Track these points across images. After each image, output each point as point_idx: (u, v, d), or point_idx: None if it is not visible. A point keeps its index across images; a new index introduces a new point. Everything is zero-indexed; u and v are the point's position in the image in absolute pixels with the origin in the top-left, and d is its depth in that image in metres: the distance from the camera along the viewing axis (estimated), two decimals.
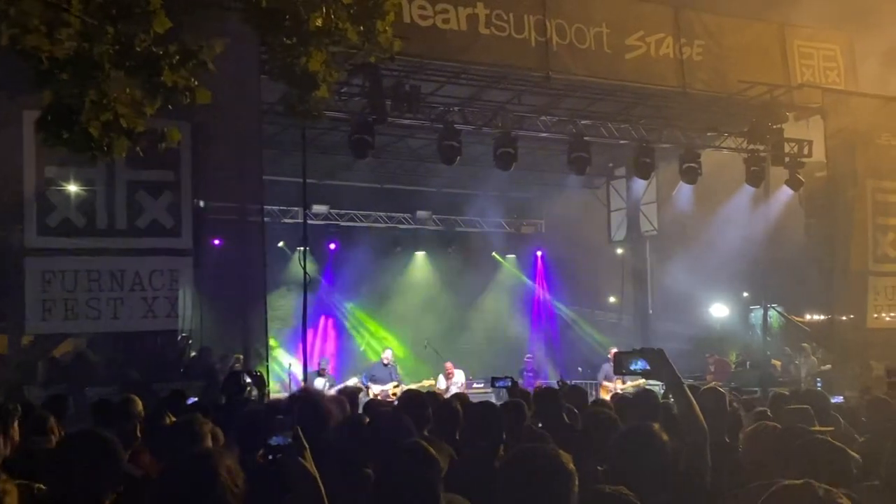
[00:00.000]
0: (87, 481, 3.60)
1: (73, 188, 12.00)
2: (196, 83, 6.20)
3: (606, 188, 22.15)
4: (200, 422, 4.71)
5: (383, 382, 16.39)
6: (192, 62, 6.11)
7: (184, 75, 6.09)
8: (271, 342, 14.56)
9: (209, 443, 4.56)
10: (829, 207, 16.86)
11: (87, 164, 6.79)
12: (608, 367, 17.01)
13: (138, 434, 5.91)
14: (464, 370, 17.78)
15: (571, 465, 2.98)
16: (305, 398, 4.94)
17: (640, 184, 20.33)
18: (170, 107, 6.22)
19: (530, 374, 19.81)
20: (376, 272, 21.49)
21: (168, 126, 6.63)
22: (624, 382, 16.38)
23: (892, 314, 16.99)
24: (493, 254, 23.49)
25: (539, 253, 23.88)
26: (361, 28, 7.45)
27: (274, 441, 3.34)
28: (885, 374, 8.65)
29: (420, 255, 23.00)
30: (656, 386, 10.35)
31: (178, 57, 6.05)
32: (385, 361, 17.12)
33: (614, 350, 13.45)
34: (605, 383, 17.33)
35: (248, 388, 8.68)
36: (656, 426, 3.81)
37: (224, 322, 13.19)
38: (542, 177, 20.97)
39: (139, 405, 6.11)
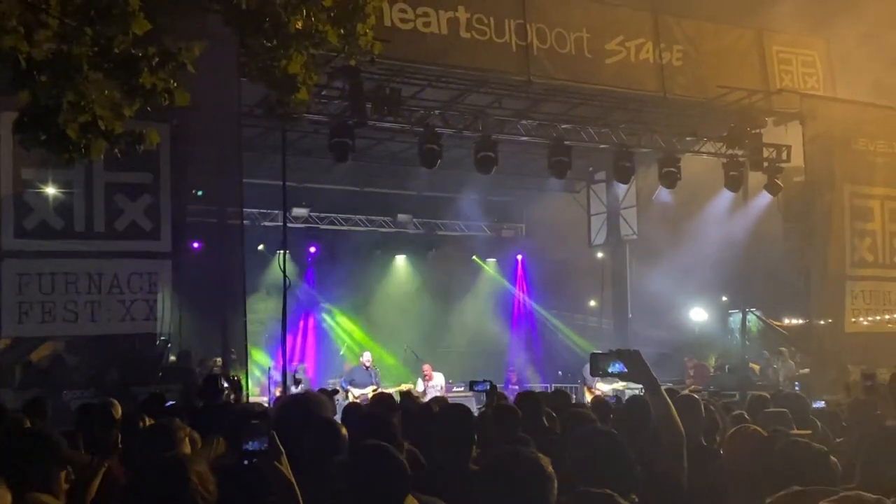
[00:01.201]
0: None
1: (50, 190, 11.89)
2: (175, 85, 6.17)
3: (587, 192, 22.24)
4: (177, 426, 4.68)
5: (363, 386, 16.37)
6: (172, 64, 6.09)
7: (163, 77, 6.07)
8: (250, 345, 14.50)
9: (186, 447, 4.53)
10: (807, 212, 16.97)
11: (65, 165, 6.72)
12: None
13: (118, 439, 5.86)
14: (443, 373, 17.77)
15: (550, 469, 2.98)
16: (289, 401, 4.92)
17: (620, 188, 20.42)
18: (149, 109, 6.19)
19: (515, 387, 19.75)
20: (357, 275, 21.45)
21: (147, 128, 6.58)
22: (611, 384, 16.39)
23: (869, 318, 17.11)
24: (474, 257, 23.51)
25: (519, 257, 23.92)
26: (342, 31, 7.44)
27: (249, 446, 3.34)
28: (861, 378, 8.69)
29: (400, 259, 22.99)
30: (636, 389, 10.38)
31: (157, 59, 6.03)
32: (365, 365, 17.09)
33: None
34: (600, 386, 17.24)
35: (226, 392, 8.65)
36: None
37: (203, 325, 13.11)
38: (523, 181, 21.01)
39: (119, 410, 6.07)
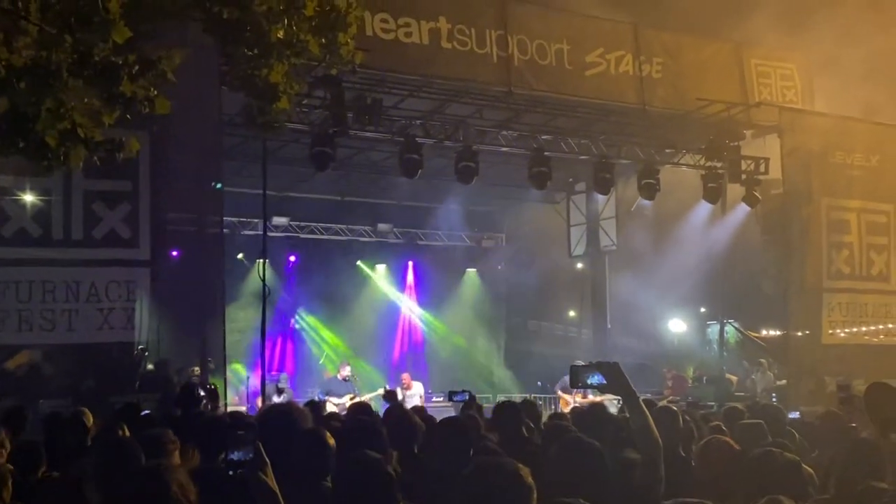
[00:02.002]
0: None
1: (28, 198, 11.83)
2: (155, 93, 6.15)
3: (567, 203, 22.29)
4: (168, 437, 4.66)
5: (340, 395, 16.29)
6: (152, 72, 6.07)
7: (143, 85, 6.04)
8: (229, 355, 14.43)
9: (176, 458, 4.51)
10: (785, 224, 17.09)
11: (43, 173, 6.70)
12: (567, 379, 17.04)
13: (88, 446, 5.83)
14: (423, 383, 17.74)
15: (530, 479, 2.99)
16: (274, 411, 4.91)
17: (600, 199, 20.48)
18: (128, 116, 6.17)
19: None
20: (336, 285, 21.41)
21: (126, 136, 6.56)
22: (585, 396, 16.43)
23: (846, 330, 17.23)
24: (451, 267, 23.50)
25: (499, 267, 23.93)
26: (323, 40, 7.44)
27: (235, 456, 3.33)
28: (836, 389, 8.76)
29: (381, 268, 22.97)
30: (614, 400, 10.40)
31: (137, 67, 6.00)
32: (343, 376, 17.01)
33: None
34: (564, 395, 17.36)
35: (204, 401, 8.61)
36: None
37: (181, 334, 13.04)
38: (504, 191, 21.04)
39: (90, 418, 6.03)
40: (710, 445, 4.25)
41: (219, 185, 12.98)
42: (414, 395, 16.95)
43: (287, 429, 4.34)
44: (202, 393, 8.73)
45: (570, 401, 16.32)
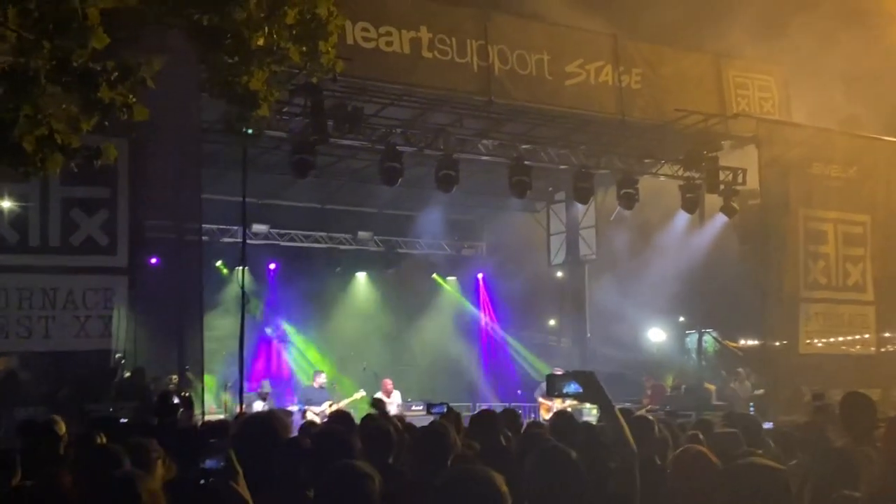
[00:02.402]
0: None
1: (5, 204, 11.75)
2: (134, 100, 6.13)
3: (547, 212, 22.36)
4: (152, 447, 4.63)
5: (319, 403, 16.25)
6: (131, 79, 6.04)
7: (122, 92, 6.02)
8: (208, 363, 14.36)
9: (159, 469, 4.49)
10: (763, 235, 17.20)
11: (21, 179, 6.67)
12: (545, 386, 17.05)
13: (60, 455, 5.79)
14: (402, 391, 17.72)
15: (504, 488, 3.00)
16: (251, 419, 4.89)
17: (579, 208, 20.55)
18: (106, 123, 6.14)
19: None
20: (317, 293, 21.36)
21: (105, 143, 6.53)
22: (564, 401, 16.46)
23: (823, 340, 17.34)
24: (434, 275, 23.52)
25: (480, 275, 23.97)
26: (304, 48, 7.44)
27: (207, 465, 3.31)
28: (811, 398, 8.83)
29: (361, 276, 22.94)
30: (594, 408, 10.42)
31: (116, 73, 5.98)
32: (319, 384, 16.95)
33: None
34: (544, 401, 17.36)
35: (179, 410, 8.57)
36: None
37: (159, 342, 12.97)
38: (484, 199, 21.09)
39: (62, 427, 6.00)
40: (685, 454, 4.28)
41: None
42: (393, 402, 16.92)
43: (267, 438, 4.32)
44: (176, 401, 8.67)
45: (552, 406, 16.33)
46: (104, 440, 5.64)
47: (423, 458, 4.99)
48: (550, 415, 11.50)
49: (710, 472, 4.09)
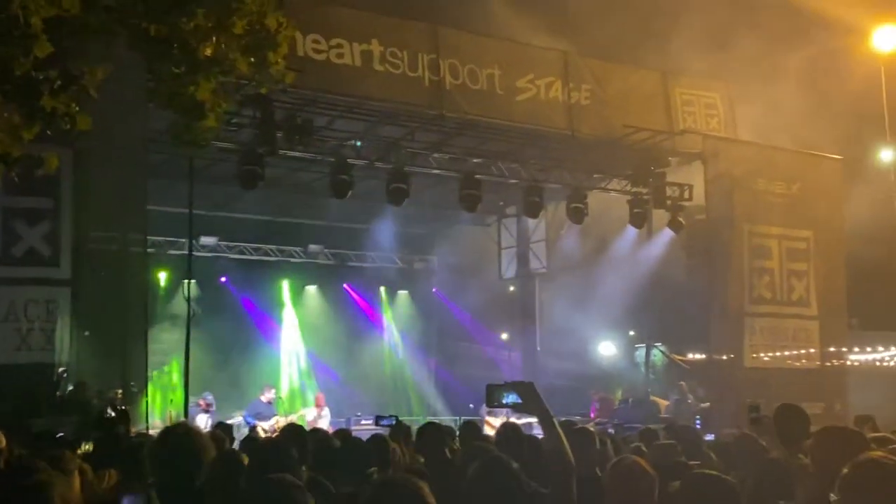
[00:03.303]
0: None
1: None
2: (77, 109, 6.06)
3: (497, 226, 22.46)
4: (68, 457, 4.57)
5: (267, 419, 16.12)
6: (73, 88, 5.99)
7: (64, 101, 5.96)
8: (153, 376, 14.19)
9: (76, 479, 4.42)
10: (709, 249, 17.42)
11: None
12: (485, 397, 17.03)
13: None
14: (351, 404, 17.68)
15: (432, 499, 2.99)
16: (179, 432, 4.81)
17: (529, 222, 20.69)
18: (49, 132, 6.06)
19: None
20: (266, 306, 21.18)
21: (47, 152, 6.45)
22: (507, 418, 16.47)
23: (768, 354, 17.57)
24: (383, 289, 23.44)
25: (433, 290, 23.95)
26: (252, 59, 7.41)
27: None
28: (747, 410, 8.93)
29: (311, 289, 22.79)
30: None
31: (59, 82, 5.92)
32: (267, 399, 16.81)
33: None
34: (489, 418, 17.35)
35: (118, 424, 8.44)
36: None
37: (103, 356, 12.69)
38: (435, 213, 21.09)
39: (2, 440, 5.88)
40: (620, 464, 4.32)
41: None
42: (325, 416, 16.83)
43: (192, 452, 4.27)
44: (112, 415, 8.55)
45: (496, 424, 16.33)
46: (22, 452, 5.57)
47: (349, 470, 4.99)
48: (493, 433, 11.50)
49: (644, 482, 4.13)
